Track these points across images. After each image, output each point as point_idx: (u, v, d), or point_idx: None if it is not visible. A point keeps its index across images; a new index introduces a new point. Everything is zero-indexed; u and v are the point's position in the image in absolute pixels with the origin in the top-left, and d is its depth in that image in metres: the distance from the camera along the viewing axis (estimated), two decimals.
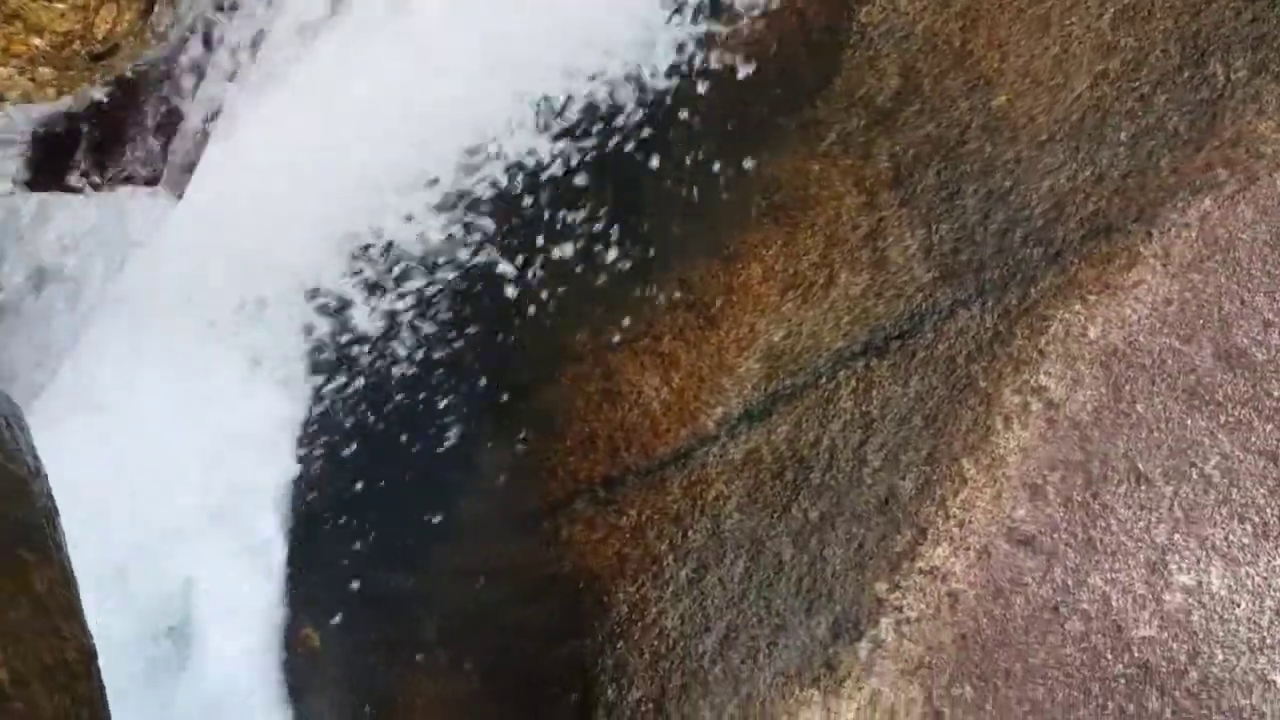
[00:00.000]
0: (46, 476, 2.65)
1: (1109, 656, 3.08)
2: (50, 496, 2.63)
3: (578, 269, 3.81)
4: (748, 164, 3.66)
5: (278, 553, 4.18)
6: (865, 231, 3.46)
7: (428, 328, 3.93)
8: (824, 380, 3.44)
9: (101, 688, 2.60)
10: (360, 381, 4.01)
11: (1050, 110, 3.38)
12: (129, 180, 2.69)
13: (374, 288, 3.94)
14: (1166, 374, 3.11)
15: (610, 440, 3.66)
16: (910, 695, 3.24)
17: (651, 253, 3.73)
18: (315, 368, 4.05)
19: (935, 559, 3.24)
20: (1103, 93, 3.35)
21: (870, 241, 3.45)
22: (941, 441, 3.29)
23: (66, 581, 2.57)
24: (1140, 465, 3.10)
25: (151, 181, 2.72)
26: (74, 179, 2.60)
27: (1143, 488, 3.09)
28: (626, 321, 3.71)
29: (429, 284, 3.91)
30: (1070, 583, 3.13)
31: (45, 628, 2.40)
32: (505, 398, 3.88)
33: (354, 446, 4.07)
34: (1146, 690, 3.03)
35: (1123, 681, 3.05)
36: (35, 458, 2.62)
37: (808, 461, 3.38)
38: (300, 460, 4.13)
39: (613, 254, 3.76)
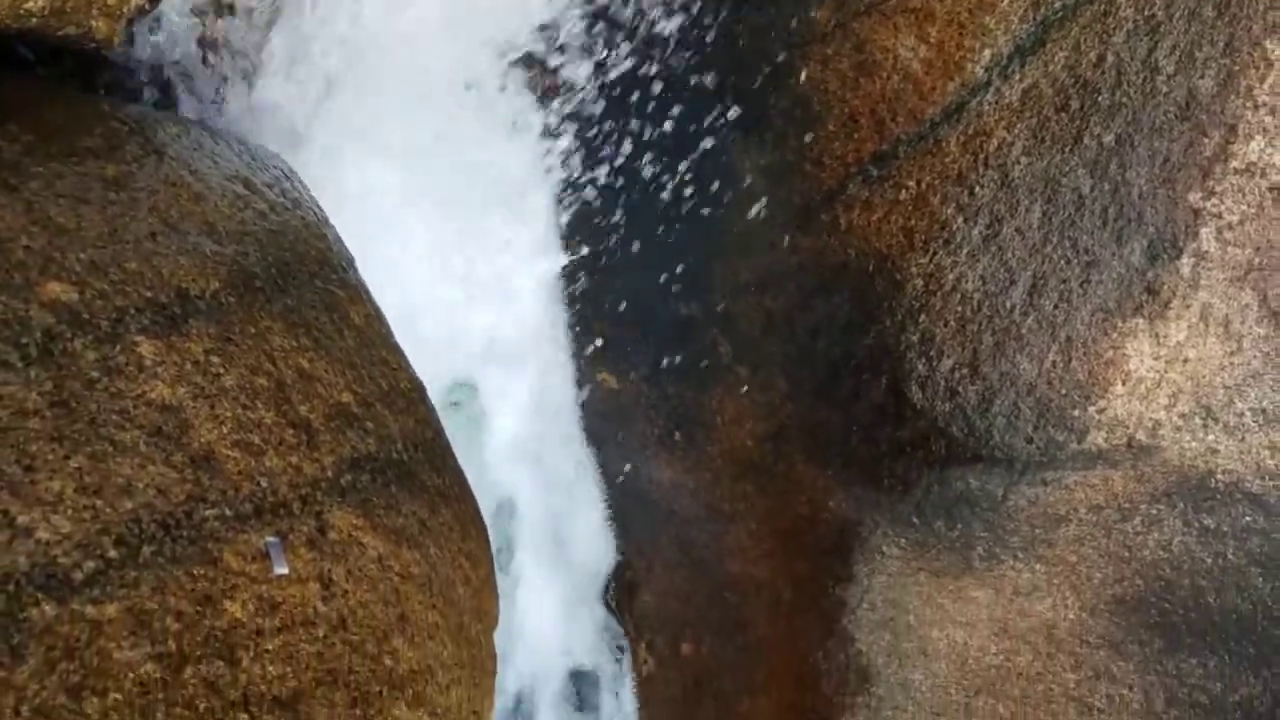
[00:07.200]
0: (334, 227, 2.72)
1: None
2: (343, 244, 2.70)
3: None
4: None
5: (560, 296, 4.25)
6: None
7: (668, 39, 3.82)
8: None
9: (436, 416, 2.70)
10: (610, 111, 3.96)
11: None
12: None
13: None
14: None
15: (874, 114, 3.50)
16: (1244, 301, 3.06)
17: None
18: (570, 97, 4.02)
19: (1250, 154, 2.99)
20: None
21: None
22: (1238, 28, 3.00)
23: (380, 319, 2.66)
24: None
25: None
26: None
27: None
28: None
29: None
30: None
31: (374, 357, 2.49)
32: (756, 97, 3.75)
33: (616, 180, 4.05)
34: None
35: None
36: (320, 208, 2.70)
37: (1093, 84, 3.15)
38: (566, 204, 4.15)
39: None
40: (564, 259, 4.21)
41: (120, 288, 2.11)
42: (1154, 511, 3.39)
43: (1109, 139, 3.13)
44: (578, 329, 4.32)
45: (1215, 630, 3.47)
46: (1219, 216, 3.02)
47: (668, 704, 4.44)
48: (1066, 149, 3.19)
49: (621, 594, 4.47)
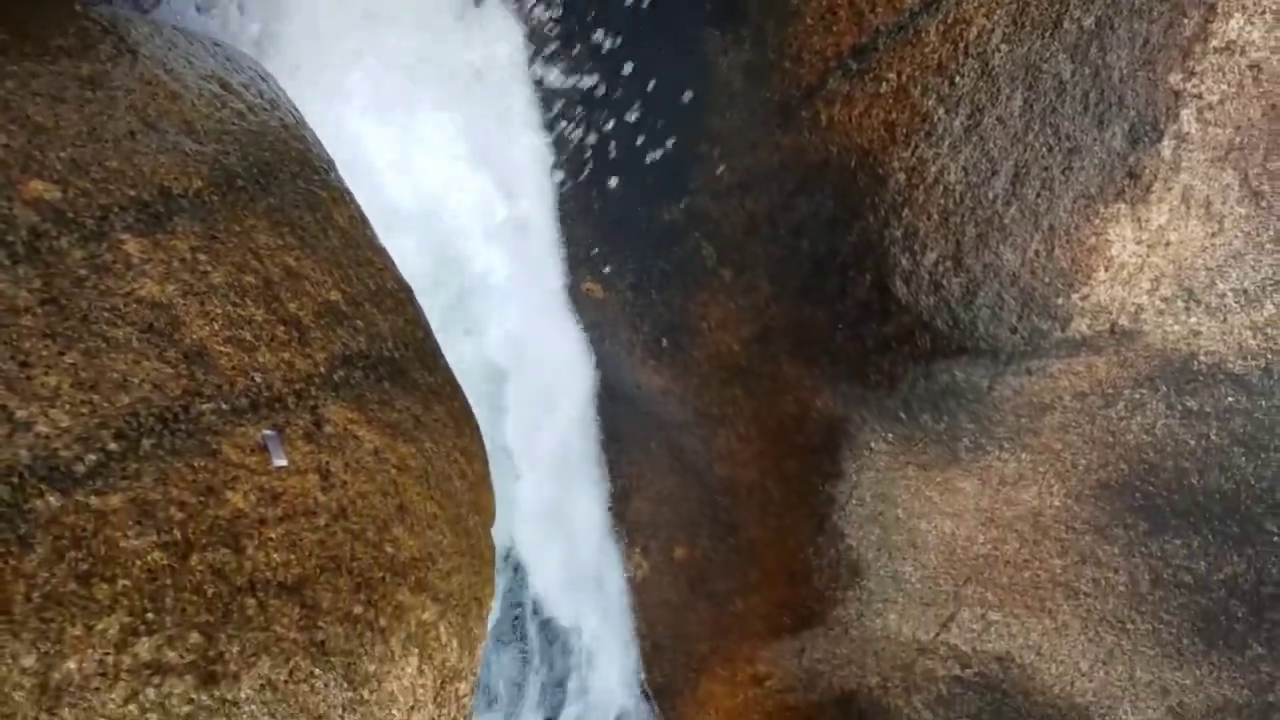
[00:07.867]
0: (312, 129, 2.70)
1: None
2: (322, 146, 2.68)
3: None
4: None
5: (544, 214, 4.24)
6: None
7: None
8: None
9: (425, 317, 2.70)
10: (589, 13, 3.92)
11: None
12: None
13: None
14: None
15: (852, 6, 3.47)
16: (1225, 182, 3.06)
17: None
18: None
19: (1230, 32, 2.99)
20: None
21: None
22: None
23: (364, 221, 2.65)
24: None
25: None
26: None
27: None
28: None
29: None
30: None
31: (359, 257, 2.49)
32: None
33: (593, 86, 4.02)
34: None
35: None
36: (297, 109, 2.67)
37: None
38: (547, 106, 4.12)
39: None
40: (546, 174, 4.19)
41: (103, 186, 2.09)
42: (1137, 396, 3.42)
43: (1089, 22, 3.11)
44: (561, 241, 4.31)
45: (1199, 511, 3.51)
46: (1199, 97, 3.01)
47: (663, 607, 4.49)
48: (1046, 34, 3.17)
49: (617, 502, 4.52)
